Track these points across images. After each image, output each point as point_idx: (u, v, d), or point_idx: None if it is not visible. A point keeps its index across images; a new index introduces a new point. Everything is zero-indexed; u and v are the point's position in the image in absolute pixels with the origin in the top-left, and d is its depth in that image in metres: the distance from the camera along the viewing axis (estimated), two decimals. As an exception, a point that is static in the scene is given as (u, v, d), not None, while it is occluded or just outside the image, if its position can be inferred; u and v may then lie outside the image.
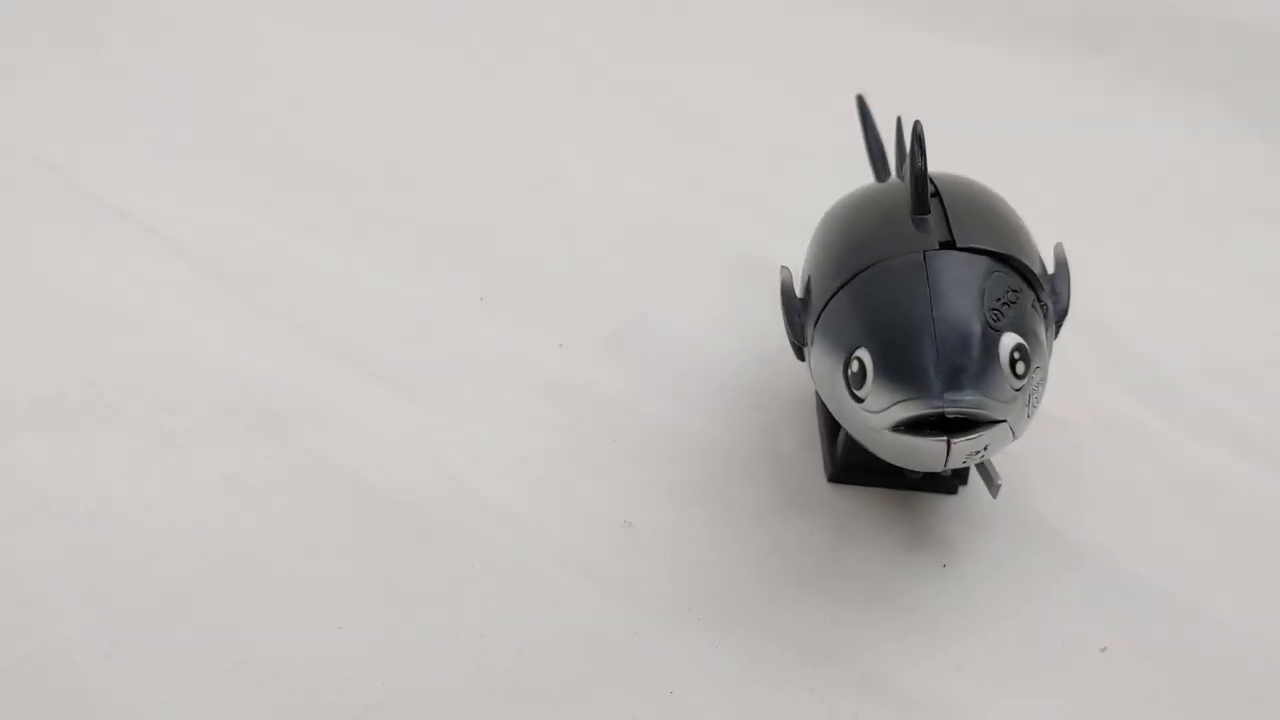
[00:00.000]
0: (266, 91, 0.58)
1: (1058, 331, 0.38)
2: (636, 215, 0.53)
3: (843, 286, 0.35)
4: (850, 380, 0.34)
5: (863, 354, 0.33)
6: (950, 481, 0.42)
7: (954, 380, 0.33)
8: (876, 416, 0.33)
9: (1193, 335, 0.48)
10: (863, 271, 0.35)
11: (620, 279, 0.50)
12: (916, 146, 0.36)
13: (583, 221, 0.53)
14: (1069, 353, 0.45)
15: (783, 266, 0.40)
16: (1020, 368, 0.34)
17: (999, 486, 0.39)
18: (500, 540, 0.41)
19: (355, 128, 0.57)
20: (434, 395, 0.45)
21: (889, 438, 0.34)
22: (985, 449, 0.34)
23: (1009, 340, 0.34)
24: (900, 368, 0.33)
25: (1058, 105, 0.58)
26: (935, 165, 0.37)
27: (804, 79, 0.59)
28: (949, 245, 0.35)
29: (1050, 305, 0.37)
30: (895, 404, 0.33)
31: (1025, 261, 0.36)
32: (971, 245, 0.35)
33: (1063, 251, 0.39)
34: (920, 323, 0.34)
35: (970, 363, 0.33)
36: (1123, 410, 0.45)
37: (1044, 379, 0.36)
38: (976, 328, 0.34)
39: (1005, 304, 0.35)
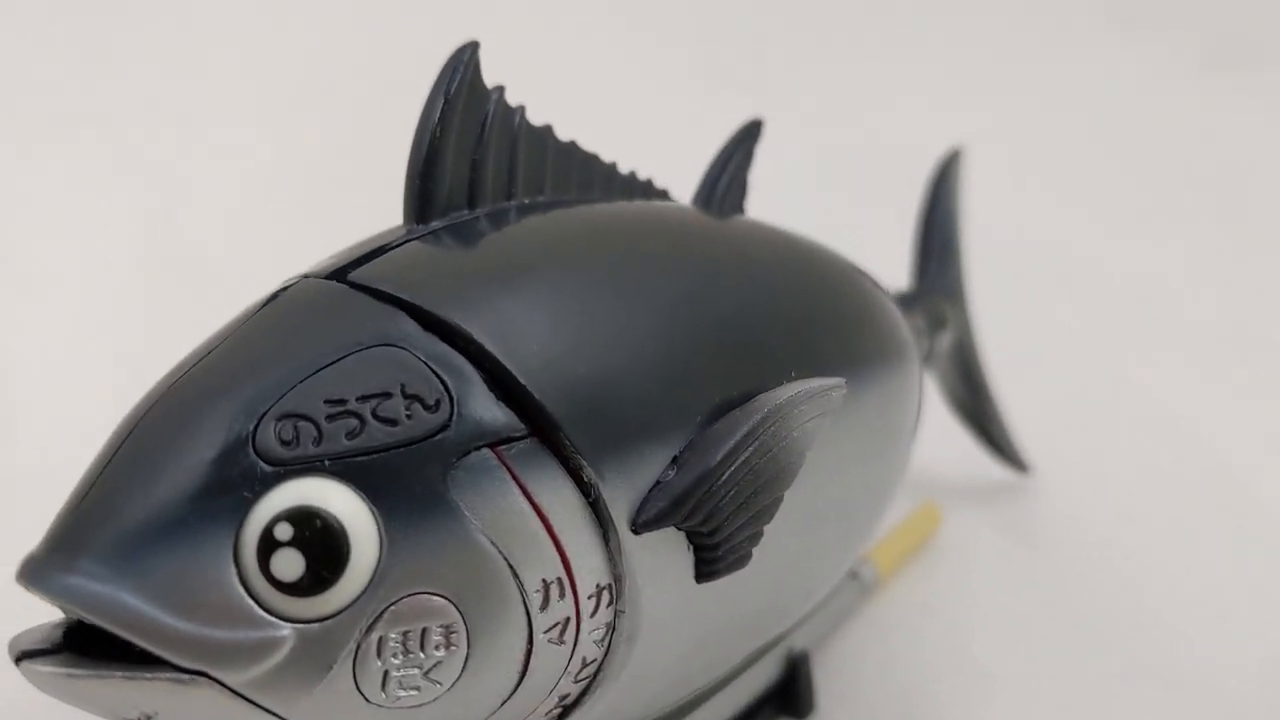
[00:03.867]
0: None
1: (709, 568, 0.21)
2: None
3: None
4: None
5: None
6: None
7: (79, 540, 0.17)
8: None
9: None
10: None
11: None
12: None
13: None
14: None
15: None
16: (292, 567, 0.17)
17: None
18: None
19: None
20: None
21: None
22: None
23: (290, 494, 0.17)
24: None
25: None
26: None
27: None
28: (339, 275, 0.20)
29: (595, 478, 0.19)
30: None
31: (507, 354, 0.19)
32: (373, 283, 0.20)
33: (782, 402, 0.21)
34: (134, 419, 0.19)
35: (139, 514, 0.17)
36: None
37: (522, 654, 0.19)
38: (213, 441, 0.17)
39: (356, 415, 0.18)
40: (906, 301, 0.37)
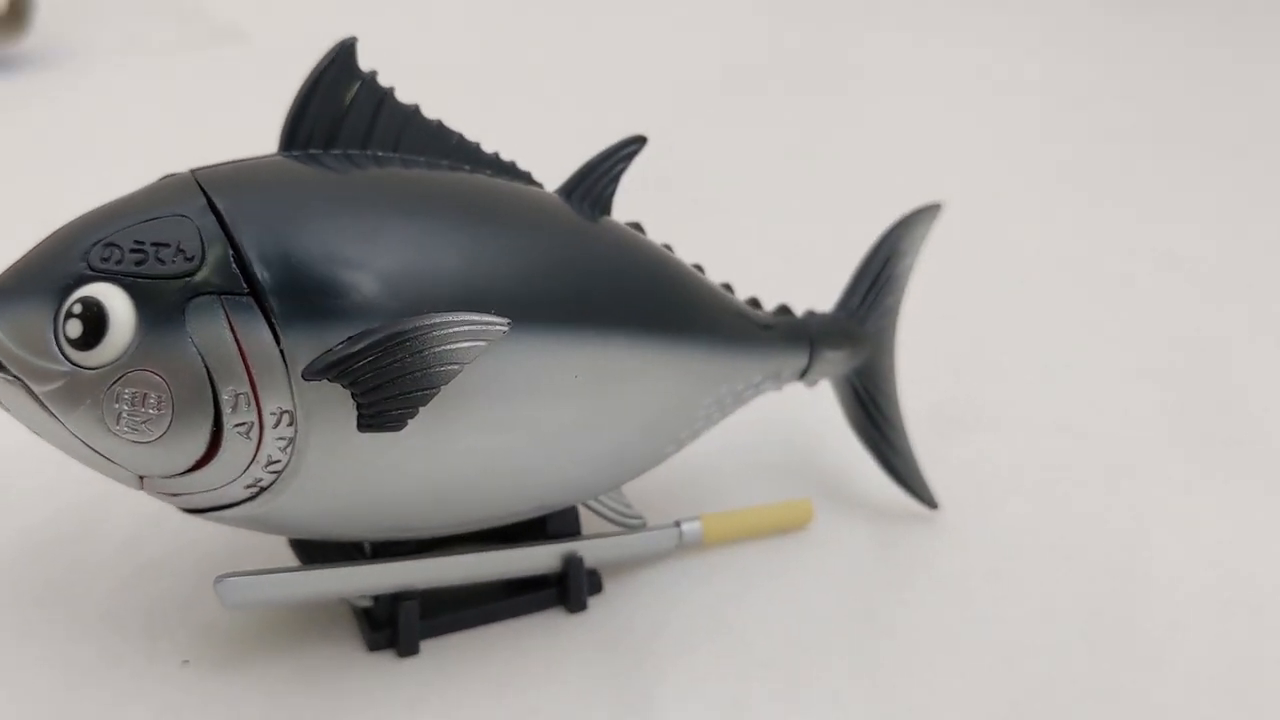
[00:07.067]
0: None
1: (364, 422, 0.29)
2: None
3: None
4: None
5: None
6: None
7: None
8: None
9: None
10: None
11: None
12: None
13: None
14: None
15: None
16: (74, 329, 0.28)
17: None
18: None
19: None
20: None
21: None
22: None
23: (90, 290, 0.28)
24: None
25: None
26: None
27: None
28: (196, 170, 0.31)
29: (283, 335, 0.28)
30: None
31: (236, 225, 0.29)
32: (199, 177, 0.30)
33: (436, 321, 0.29)
34: (48, 234, 0.30)
35: (19, 284, 0.28)
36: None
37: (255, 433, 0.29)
38: (69, 252, 0.29)
39: (145, 252, 0.28)
40: (810, 317, 0.42)
